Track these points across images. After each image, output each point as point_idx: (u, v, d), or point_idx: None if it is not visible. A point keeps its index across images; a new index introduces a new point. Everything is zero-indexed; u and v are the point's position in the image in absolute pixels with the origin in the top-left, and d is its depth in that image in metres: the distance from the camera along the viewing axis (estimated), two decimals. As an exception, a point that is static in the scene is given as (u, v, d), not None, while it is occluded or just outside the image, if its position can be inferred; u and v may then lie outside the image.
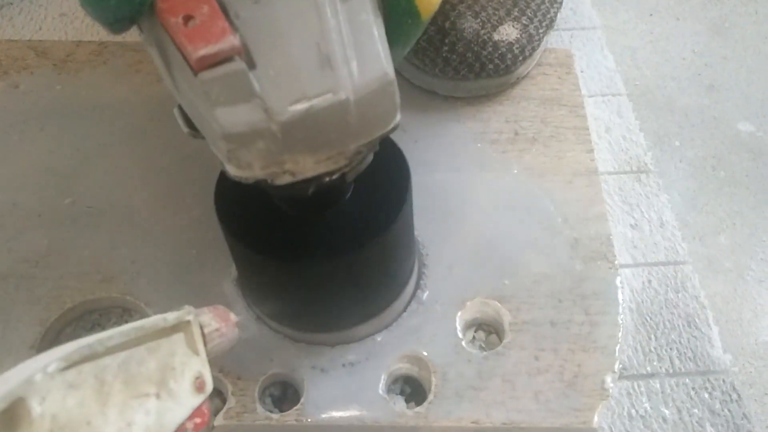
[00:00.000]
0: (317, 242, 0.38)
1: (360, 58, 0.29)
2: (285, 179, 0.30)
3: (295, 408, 0.41)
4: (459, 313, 0.44)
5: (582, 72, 0.60)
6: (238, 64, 0.27)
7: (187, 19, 0.27)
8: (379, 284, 0.42)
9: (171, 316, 0.28)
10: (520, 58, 0.54)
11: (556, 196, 0.50)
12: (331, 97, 0.28)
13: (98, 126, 0.54)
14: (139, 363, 0.25)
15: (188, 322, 0.28)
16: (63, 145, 0.53)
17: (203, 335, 0.29)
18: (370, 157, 0.34)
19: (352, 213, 0.39)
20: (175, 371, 0.27)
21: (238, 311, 0.44)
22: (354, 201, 0.39)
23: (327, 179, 0.32)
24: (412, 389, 0.43)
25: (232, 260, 0.45)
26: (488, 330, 0.45)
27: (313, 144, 0.29)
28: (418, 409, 0.41)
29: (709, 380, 0.43)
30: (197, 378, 0.28)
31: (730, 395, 0.43)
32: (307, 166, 0.30)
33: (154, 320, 0.27)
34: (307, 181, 0.31)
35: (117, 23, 0.30)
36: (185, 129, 0.33)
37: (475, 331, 0.45)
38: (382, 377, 0.42)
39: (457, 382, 0.42)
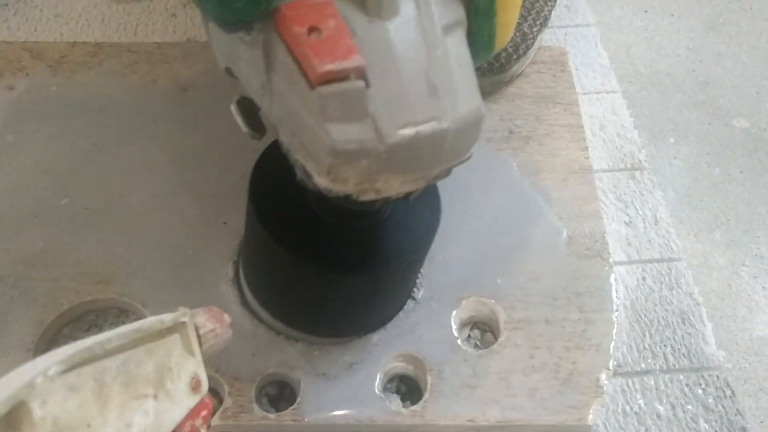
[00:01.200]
0: (353, 254, 0.39)
1: (460, 90, 0.30)
2: (370, 196, 0.31)
3: (292, 408, 0.41)
4: (454, 312, 0.45)
5: (576, 69, 0.60)
6: (358, 83, 0.27)
7: (312, 30, 0.27)
8: (395, 296, 0.43)
9: (167, 318, 0.28)
10: (514, 57, 0.54)
11: (551, 193, 0.50)
12: (435, 125, 0.29)
13: (94, 127, 0.54)
14: (137, 365, 0.26)
15: (184, 323, 0.29)
16: (59, 146, 0.53)
17: (198, 336, 0.30)
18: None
19: (388, 231, 0.39)
20: (171, 372, 0.27)
21: (235, 311, 0.45)
22: (389, 219, 0.40)
23: (395, 198, 0.33)
24: (408, 388, 0.44)
25: (228, 260, 0.45)
26: (483, 328, 0.46)
27: (408, 166, 0.30)
28: (414, 407, 0.41)
29: (702, 376, 0.44)
30: (193, 378, 0.28)
31: (723, 391, 0.43)
32: (393, 186, 0.31)
33: (151, 322, 0.27)
34: (383, 199, 0.32)
35: (238, 23, 0.30)
36: (244, 128, 0.34)
37: (470, 330, 0.46)
38: (378, 376, 0.42)
39: (453, 381, 0.42)
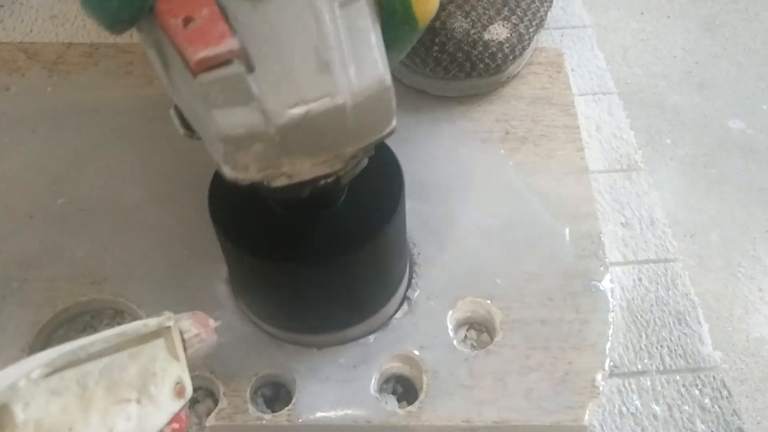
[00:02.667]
0: (311, 244, 0.38)
1: (358, 63, 0.29)
2: (281, 181, 0.31)
3: (287, 408, 0.41)
4: (450, 312, 0.44)
5: (572, 71, 0.60)
6: (237, 68, 0.27)
7: (187, 21, 0.28)
8: (372, 286, 0.42)
9: (152, 322, 0.28)
10: (511, 58, 0.54)
11: (547, 194, 0.50)
12: (328, 101, 0.28)
13: (90, 128, 0.54)
14: (120, 369, 0.26)
15: (168, 328, 0.29)
16: (54, 147, 0.53)
17: (183, 341, 0.30)
18: (365, 161, 0.34)
19: (346, 216, 0.39)
20: (156, 377, 0.27)
21: (230, 311, 0.44)
22: (347, 204, 0.39)
23: (322, 182, 0.32)
24: (404, 388, 0.44)
25: (223, 260, 0.45)
26: (480, 329, 0.46)
27: (311, 147, 0.30)
28: (409, 408, 0.41)
29: (699, 377, 0.44)
30: (177, 383, 0.28)
31: (720, 392, 0.43)
32: (303, 169, 0.31)
33: (135, 326, 0.27)
34: (303, 184, 0.32)
35: (117, 24, 0.30)
36: (181, 130, 0.33)
37: (466, 330, 0.45)
38: (374, 377, 0.42)
39: (449, 381, 0.42)
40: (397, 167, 0.41)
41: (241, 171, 0.30)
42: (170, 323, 0.29)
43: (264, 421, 0.41)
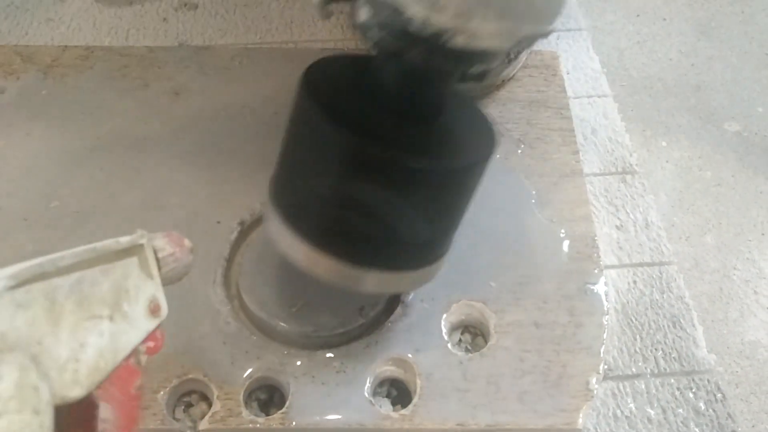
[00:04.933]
0: (411, 146, 0.36)
1: None
2: (460, 41, 0.32)
3: (281, 412, 0.41)
4: (444, 316, 0.44)
5: (568, 74, 0.60)
6: None
7: None
8: (432, 224, 0.39)
9: (124, 240, 0.27)
10: (506, 61, 0.54)
11: (542, 197, 0.50)
12: None
13: (84, 130, 0.54)
14: (91, 284, 0.25)
15: (141, 246, 0.28)
16: (49, 150, 0.53)
17: (157, 260, 0.29)
18: (522, 59, 0.36)
19: (445, 136, 0.39)
20: (128, 294, 0.27)
21: (225, 314, 0.44)
22: (446, 130, 0.39)
23: (481, 67, 0.34)
24: (399, 392, 0.43)
25: (218, 260, 0.45)
26: (474, 332, 0.45)
27: (504, 9, 0.31)
28: (403, 411, 0.41)
29: (693, 380, 0.44)
30: (151, 301, 0.28)
31: (714, 395, 0.43)
32: (486, 32, 0.32)
33: (107, 243, 0.26)
34: (474, 54, 0.33)
35: None
36: None
37: (461, 333, 0.45)
38: (368, 380, 0.42)
39: (443, 384, 0.42)
40: (491, 125, 0.41)
41: (437, 11, 0.31)
42: (143, 241, 0.28)
43: (258, 425, 0.40)
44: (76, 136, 0.54)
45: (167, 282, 0.29)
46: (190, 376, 0.42)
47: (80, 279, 0.25)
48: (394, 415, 0.41)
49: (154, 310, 0.28)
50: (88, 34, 0.64)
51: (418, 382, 0.42)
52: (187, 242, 0.31)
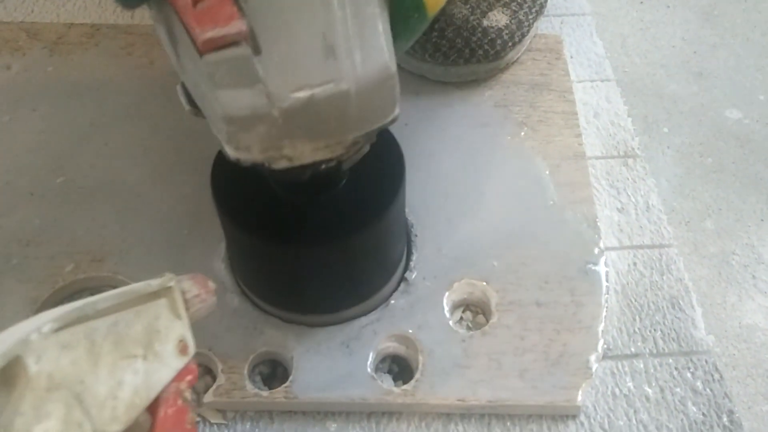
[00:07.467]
0: (311, 227, 0.39)
1: (363, 50, 0.30)
2: (282, 164, 0.31)
3: (284, 386, 0.41)
4: (447, 294, 0.45)
5: (571, 58, 0.60)
6: (244, 49, 0.28)
7: (197, 0, 0.28)
8: (370, 269, 0.43)
9: (155, 282, 0.29)
10: (510, 44, 0.54)
11: (544, 179, 0.50)
12: (332, 87, 0.29)
13: (90, 106, 0.54)
14: (126, 326, 0.26)
15: (170, 288, 0.30)
16: (55, 126, 0.53)
17: (185, 301, 0.30)
18: (367, 147, 0.35)
19: (347, 199, 0.39)
20: (160, 334, 0.28)
21: (229, 289, 0.45)
22: (349, 187, 0.39)
23: (323, 166, 0.33)
24: (400, 368, 0.44)
25: (222, 239, 0.45)
26: (475, 310, 0.46)
27: (312, 132, 0.30)
28: (405, 386, 0.41)
29: (691, 360, 0.44)
30: (180, 341, 0.29)
31: (712, 375, 0.44)
32: (305, 153, 0.31)
33: (140, 286, 0.28)
34: (304, 167, 0.32)
35: (130, 0, 0.30)
36: (187, 107, 0.33)
37: (462, 312, 0.46)
38: (371, 356, 0.43)
39: (444, 361, 0.42)
40: (398, 151, 0.41)
41: (244, 151, 0.30)
42: (172, 284, 0.30)
43: (261, 398, 0.41)
44: (81, 112, 0.54)
45: (193, 321, 0.31)
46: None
47: (116, 321, 0.26)
48: (396, 390, 0.41)
49: (182, 349, 0.29)
50: (94, 12, 0.64)
51: (420, 358, 0.42)
52: (211, 284, 0.32)
